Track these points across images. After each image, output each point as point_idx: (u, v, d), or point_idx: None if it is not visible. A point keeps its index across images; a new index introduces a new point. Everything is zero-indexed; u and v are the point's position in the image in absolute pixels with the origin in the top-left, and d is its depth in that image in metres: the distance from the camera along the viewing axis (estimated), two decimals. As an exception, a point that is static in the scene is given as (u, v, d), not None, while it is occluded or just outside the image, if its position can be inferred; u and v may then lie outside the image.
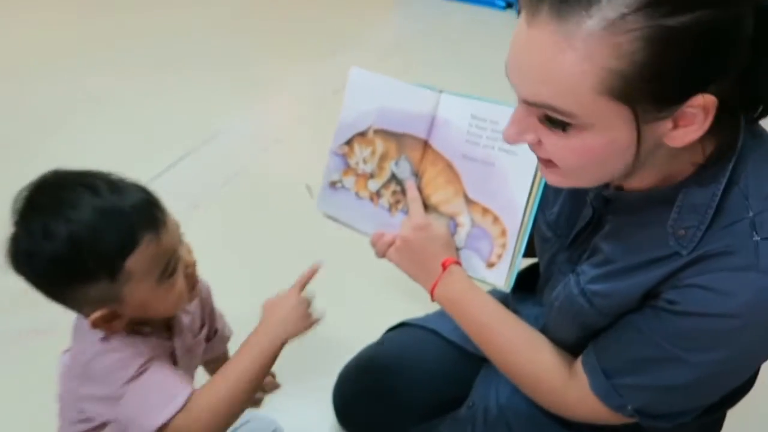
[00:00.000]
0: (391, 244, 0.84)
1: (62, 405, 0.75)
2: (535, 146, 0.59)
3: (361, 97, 0.87)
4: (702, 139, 0.55)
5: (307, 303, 0.80)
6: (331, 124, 0.93)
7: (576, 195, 0.73)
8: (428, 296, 0.81)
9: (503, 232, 0.78)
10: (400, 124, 0.84)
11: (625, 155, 0.55)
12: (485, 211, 0.80)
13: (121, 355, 0.68)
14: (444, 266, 0.79)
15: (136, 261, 0.65)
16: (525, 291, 0.86)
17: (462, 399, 0.90)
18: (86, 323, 0.67)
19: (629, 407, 0.65)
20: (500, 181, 0.78)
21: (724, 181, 0.57)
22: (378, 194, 0.88)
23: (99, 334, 0.69)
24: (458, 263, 0.80)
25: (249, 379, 0.72)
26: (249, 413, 0.96)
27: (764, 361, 0.65)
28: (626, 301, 0.64)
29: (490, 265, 0.80)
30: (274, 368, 0.76)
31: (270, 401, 1.01)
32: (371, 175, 0.88)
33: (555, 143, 0.56)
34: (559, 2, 0.50)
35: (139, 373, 0.68)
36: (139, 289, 0.67)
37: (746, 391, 0.74)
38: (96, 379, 0.69)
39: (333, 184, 0.92)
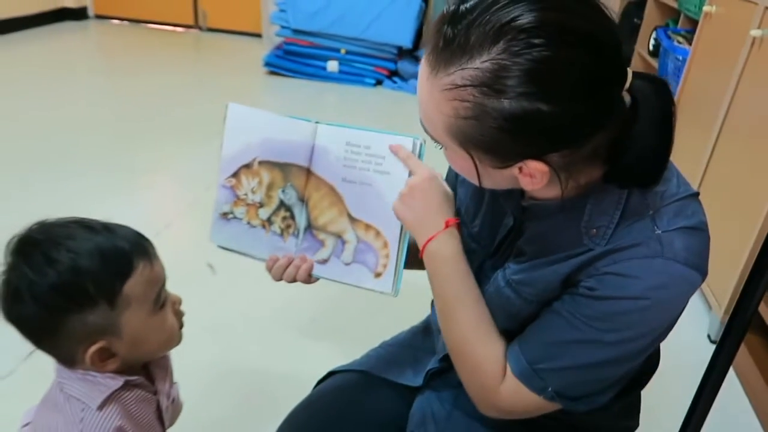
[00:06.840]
0: (286, 266, 0.89)
1: None
2: None
3: (242, 131, 0.92)
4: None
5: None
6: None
7: (496, 208, 0.81)
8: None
9: (385, 244, 0.87)
10: (282, 154, 0.91)
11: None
12: (367, 227, 0.88)
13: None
14: (447, 224, 0.79)
15: (132, 286, 0.69)
16: None
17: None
18: (62, 397, 0.67)
19: (550, 389, 0.71)
20: (378, 199, 0.86)
21: (626, 191, 0.67)
22: (269, 221, 0.94)
23: (80, 406, 0.68)
24: (459, 226, 0.81)
25: None
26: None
27: (664, 338, 0.72)
28: (548, 287, 0.72)
29: (377, 275, 0.88)
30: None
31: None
32: (260, 204, 0.93)
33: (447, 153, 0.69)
34: (435, 51, 0.59)
35: None
36: (135, 317, 0.70)
37: (652, 372, 0.84)
38: None
39: (224, 216, 0.97)
